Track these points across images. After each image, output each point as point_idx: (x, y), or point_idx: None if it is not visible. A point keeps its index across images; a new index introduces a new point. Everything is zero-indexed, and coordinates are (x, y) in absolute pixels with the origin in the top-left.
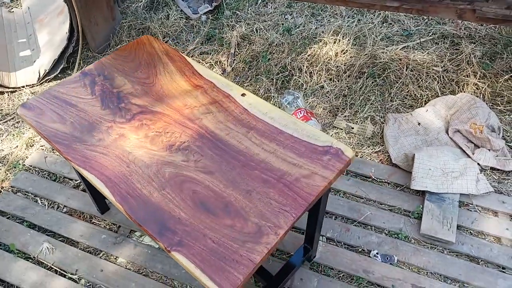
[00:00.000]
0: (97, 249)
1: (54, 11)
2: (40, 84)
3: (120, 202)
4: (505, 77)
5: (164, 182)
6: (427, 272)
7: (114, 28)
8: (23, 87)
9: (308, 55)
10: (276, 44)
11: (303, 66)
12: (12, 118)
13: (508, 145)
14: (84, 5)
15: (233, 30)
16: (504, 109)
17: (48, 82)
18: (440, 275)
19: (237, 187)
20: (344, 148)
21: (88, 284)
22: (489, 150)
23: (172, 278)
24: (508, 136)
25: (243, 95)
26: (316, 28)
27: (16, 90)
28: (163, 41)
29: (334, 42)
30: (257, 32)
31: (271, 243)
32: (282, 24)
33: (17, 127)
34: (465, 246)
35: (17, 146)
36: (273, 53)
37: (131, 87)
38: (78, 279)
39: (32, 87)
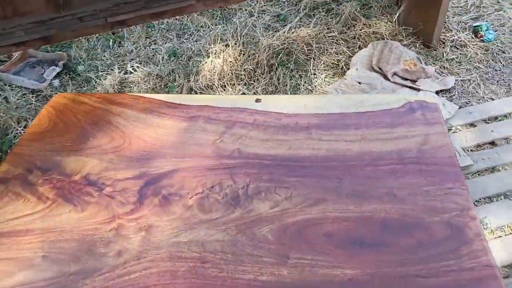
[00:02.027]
0: None
1: None
2: None
3: None
4: (395, 16)
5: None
6: None
7: None
8: None
9: (208, 71)
10: (168, 74)
11: (213, 83)
12: None
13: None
14: None
15: (105, 79)
16: (408, 44)
17: None
18: None
19: (370, 197)
20: (422, 96)
21: None
22: (426, 78)
23: None
24: (425, 63)
25: (257, 100)
26: (194, 44)
27: None
28: (20, 126)
29: (226, 47)
30: (135, 71)
31: (476, 231)
32: (153, 56)
33: None
34: None
35: None
36: (174, 82)
37: (98, 162)
38: None
39: None
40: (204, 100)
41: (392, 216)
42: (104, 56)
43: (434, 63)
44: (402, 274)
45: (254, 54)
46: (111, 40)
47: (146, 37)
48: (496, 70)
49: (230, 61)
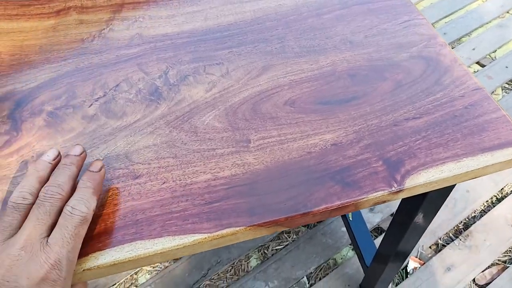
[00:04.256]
0: None
1: None
2: None
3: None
4: None
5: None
6: None
7: None
8: None
9: None
10: None
11: None
12: None
13: None
14: None
15: None
16: None
17: None
18: None
19: (323, 50)
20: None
21: None
22: None
23: None
24: None
25: None
26: None
27: None
28: None
29: None
30: None
31: (451, 57)
32: None
33: None
34: None
35: None
36: None
37: None
38: None
39: None
40: None
41: (356, 64)
42: None
43: None
44: (391, 122)
45: None
46: None
47: None
48: None
49: None
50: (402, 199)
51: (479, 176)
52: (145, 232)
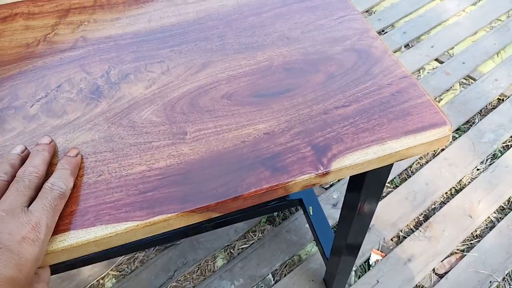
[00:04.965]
0: None
1: None
2: None
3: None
4: None
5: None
6: None
7: None
8: None
9: None
10: None
11: None
12: None
13: None
14: None
15: None
16: None
17: None
18: None
19: (261, 47)
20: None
21: None
22: None
23: None
24: None
25: None
26: None
27: None
28: None
29: None
30: None
31: (382, 48)
32: None
33: None
34: None
35: None
36: None
37: None
38: None
39: None
40: None
41: (292, 58)
42: None
43: None
44: (321, 110)
45: None
46: None
47: None
48: None
49: None
50: (346, 191)
51: (405, 158)
52: (78, 222)
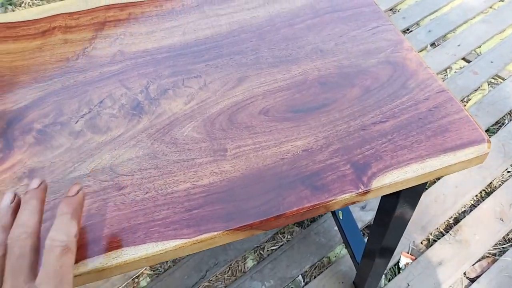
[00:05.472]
0: None
1: None
2: None
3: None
4: None
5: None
6: None
7: None
8: None
9: None
10: None
11: None
12: None
13: None
14: None
15: None
16: None
17: None
18: None
19: (295, 60)
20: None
21: None
22: None
23: None
24: None
25: None
26: None
27: None
28: None
29: None
30: None
31: (417, 61)
32: None
33: None
34: None
35: None
36: None
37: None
38: None
39: None
40: (52, 10)
41: (327, 71)
42: None
43: None
44: (359, 126)
45: None
46: None
47: None
48: None
49: None
50: (381, 198)
51: (444, 175)
52: (130, 239)
